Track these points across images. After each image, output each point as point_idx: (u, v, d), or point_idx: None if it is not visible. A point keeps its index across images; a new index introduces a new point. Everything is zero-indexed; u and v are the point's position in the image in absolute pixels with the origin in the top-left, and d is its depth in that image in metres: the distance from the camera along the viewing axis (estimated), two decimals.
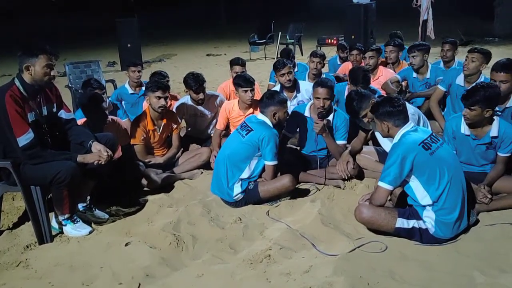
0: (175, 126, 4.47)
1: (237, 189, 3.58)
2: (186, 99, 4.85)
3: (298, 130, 4.27)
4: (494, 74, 3.77)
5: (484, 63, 4.31)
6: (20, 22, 27.49)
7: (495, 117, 3.36)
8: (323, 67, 5.62)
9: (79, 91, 5.45)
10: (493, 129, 3.35)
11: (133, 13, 11.50)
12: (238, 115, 4.53)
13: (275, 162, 3.62)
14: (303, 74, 5.76)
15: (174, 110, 4.74)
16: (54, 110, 3.28)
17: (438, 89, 4.74)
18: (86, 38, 19.49)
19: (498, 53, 9.32)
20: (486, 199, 3.28)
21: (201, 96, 4.64)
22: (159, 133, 4.33)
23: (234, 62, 5.37)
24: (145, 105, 4.66)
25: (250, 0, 34.25)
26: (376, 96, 4.00)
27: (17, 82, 3.01)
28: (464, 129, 3.45)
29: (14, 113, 2.91)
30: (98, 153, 3.16)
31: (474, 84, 3.48)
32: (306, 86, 4.95)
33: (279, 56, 7.38)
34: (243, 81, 4.36)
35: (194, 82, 4.59)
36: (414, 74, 5.24)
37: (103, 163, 3.15)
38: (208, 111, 4.84)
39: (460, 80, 4.50)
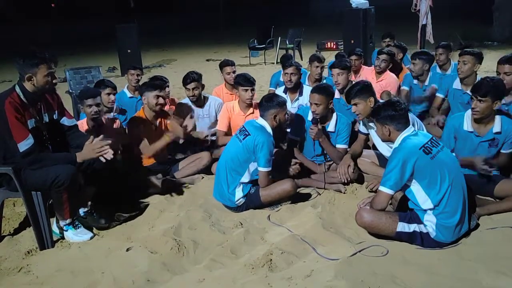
0: (169, 122, 4.47)
1: (239, 194, 3.58)
2: (186, 100, 4.93)
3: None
4: (499, 66, 3.97)
5: (477, 63, 4.39)
6: (21, 28, 27.56)
7: (497, 115, 3.41)
8: (323, 71, 5.64)
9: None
10: (496, 126, 3.40)
11: (133, 19, 11.55)
12: (239, 115, 4.56)
13: (268, 169, 3.58)
14: (303, 78, 5.77)
15: (174, 109, 4.82)
16: (56, 117, 3.30)
17: (437, 97, 4.82)
18: (86, 44, 19.53)
19: (497, 57, 9.31)
20: (487, 165, 3.28)
21: (191, 93, 4.71)
22: (155, 131, 4.34)
23: (223, 63, 5.39)
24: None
25: (249, 5, 34.37)
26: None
27: (17, 89, 3.03)
28: (467, 126, 3.49)
29: (13, 119, 2.92)
30: (91, 145, 3.09)
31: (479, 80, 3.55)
32: (309, 91, 4.98)
33: (279, 61, 7.40)
34: (243, 80, 4.41)
35: (187, 77, 4.70)
36: (415, 81, 5.27)
37: (101, 153, 3.08)
38: (207, 114, 4.87)
39: (457, 84, 4.56)
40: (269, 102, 3.69)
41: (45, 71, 3.01)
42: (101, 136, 3.14)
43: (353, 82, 4.74)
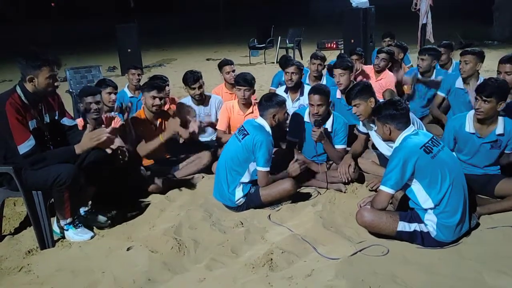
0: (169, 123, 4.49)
1: (239, 193, 3.58)
2: (187, 99, 4.92)
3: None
4: (500, 65, 3.99)
5: (479, 62, 4.39)
6: (21, 28, 27.55)
7: (499, 116, 3.41)
8: (323, 68, 5.61)
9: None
10: (499, 127, 3.38)
11: (133, 19, 11.56)
12: (238, 114, 4.58)
13: (266, 169, 3.58)
14: (304, 76, 5.76)
15: (175, 109, 4.85)
16: (56, 117, 3.29)
17: (438, 95, 4.84)
18: (86, 43, 19.52)
19: (497, 57, 9.32)
20: None
21: (196, 92, 4.73)
22: (155, 131, 4.35)
23: (222, 63, 5.41)
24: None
25: (249, 5, 34.38)
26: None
27: (18, 90, 3.01)
28: (469, 127, 3.48)
29: (14, 121, 2.91)
30: (89, 134, 3.09)
31: (481, 80, 3.55)
32: None
33: (279, 60, 7.39)
34: (240, 79, 4.47)
35: (190, 77, 4.70)
36: (419, 77, 5.27)
37: (99, 141, 3.08)
38: (208, 112, 4.89)
39: (459, 83, 4.56)
40: (268, 102, 3.69)
41: (47, 74, 3.00)
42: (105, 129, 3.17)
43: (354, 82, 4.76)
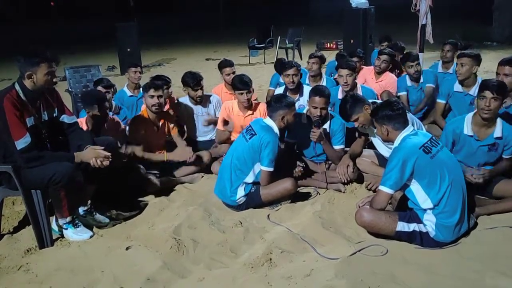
0: (172, 125, 4.50)
1: (241, 192, 3.58)
2: (184, 99, 4.91)
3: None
4: (499, 67, 4.00)
5: (475, 65, 4.39)
6: (20, 28, 27.53)
7: (498, 119, 3.41)
8: (320, 67, 5.57)
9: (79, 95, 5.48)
10: (497, 130, 3.39)
11: (133, 18, 11.55)
12: (238, 115, 4.57)
13: (270, 169, 3.58)
14: (303, 77, 5.75)
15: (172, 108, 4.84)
16: (55, 115, 3.29)
17: (439, 103, 4.79)
18: (86, 43, 19.50)
19: (497, 58, 9.30)
20: (475, 176, 3.34)
21: (199, 93, 4.72)
22: (157, 132, 4.35)
23: (222, 64, 5.39)
24: (143, 107, 4.70)
25: (249, 5, 34.39)
26: (371, 99, 4.02)
27: (17, 87, 3.02)
28: (468, 130, 3.48)
29: (12, 116, 2.92)
30: (95, 152, 3.14)
31: (481, 81, 3.55)
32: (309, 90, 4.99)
33: (274, 66, 7.37)
34: (238, 83, 4.42)
35: (192, 79, 4.68)
36: (409, 82, 5.28)
37: (100, 163, 3.13)
38: (207, 111, 4.89)
39: (457, 87, 4.56)
40: (278, 103, 3.67)
41: (46, 70, 3.01)
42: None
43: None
